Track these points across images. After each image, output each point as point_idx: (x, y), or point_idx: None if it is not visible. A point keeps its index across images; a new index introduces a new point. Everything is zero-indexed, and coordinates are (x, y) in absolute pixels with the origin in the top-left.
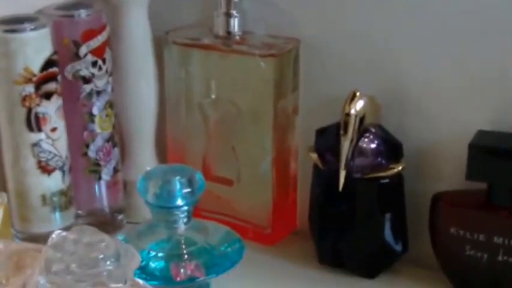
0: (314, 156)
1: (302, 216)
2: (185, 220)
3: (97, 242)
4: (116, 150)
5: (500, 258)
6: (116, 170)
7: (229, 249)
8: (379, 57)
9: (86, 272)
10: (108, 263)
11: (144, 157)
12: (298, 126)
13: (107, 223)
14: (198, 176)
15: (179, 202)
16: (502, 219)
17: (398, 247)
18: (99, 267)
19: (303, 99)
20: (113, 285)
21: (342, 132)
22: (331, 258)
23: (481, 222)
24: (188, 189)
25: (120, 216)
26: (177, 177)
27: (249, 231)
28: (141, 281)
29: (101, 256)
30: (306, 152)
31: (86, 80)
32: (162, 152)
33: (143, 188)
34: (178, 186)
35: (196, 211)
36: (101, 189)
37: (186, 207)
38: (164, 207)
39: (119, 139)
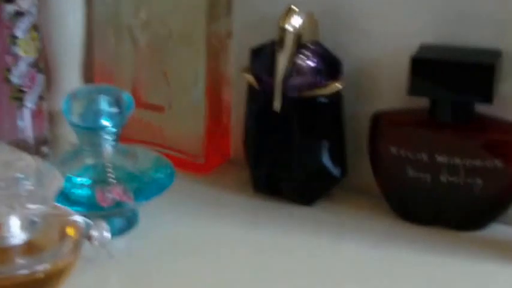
0: (248, 76)
1: (236, 144)
2: (112, 143)
3: (15, 160)
4: (41, 77)
5: (443, 178)
6: (40, 98)
7: (159, 174)
8: None
9: (2, 192)
10: (27, 182)
11: (71, 85)
12: (232, 50)
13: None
14: (126, 96)
15: (105, 123)
16: (445, 137)
17: (336, 171)
18: (17, 186)
19: (238, 21)
20: (31, 206)
21: (277, 48)
22: (267, 185)
23: (423, 140)
24: (115, 109)
25: (45, 148)
26: (104, 97)
27: (182, 161)
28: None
29: (20, 175)
30: (240, 74)
31: (8, 0)
32: (91, 80)
33: (68, 109)
34: (104, 105)
35: (125, 141)
36: (25, 118)
37: (113, 129)
38: (89, 128)
39: (44, 65)
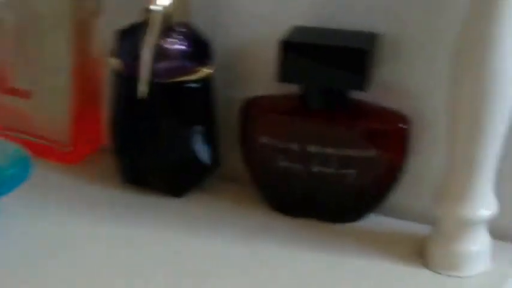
0: (113, 60)
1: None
2: None
3: None
4: None
5: (315, 169)
6: None
7: (12, 169)
8: None
9: None
10: None
11: None
12: (101, 30)
13: None
14: None
15: None
16: (316, 125)
17: (208, 161)
18: None
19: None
20: None
21: (143, 30)
22: (135, 176)
23: (294, 129)
24: None
25: None
26: None
27: (49, 150)
28: None
29: None
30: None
31: None
32: None
33: None
34: None
35: None
36: None
37: None
38: None
39: None
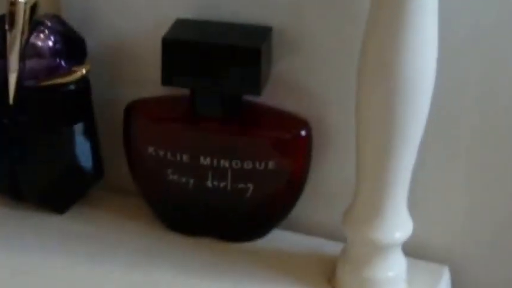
0: None
1: None
2: None
3: None
4: None
5: (209, 183)
6: None
7: None
8: None
9: None
10: None
11: None
12: None
13: None
14: None
15: None
16: (209, 135)
17: (89, 171)
18: None
19: None
20: None
21: (7, 27)
22: (9, 189)
23: (184, 138)
24: None
25: None
26: None
27: None
28: None
29: None
30: None
31: None
32: None
33: None
34: None
35: None
36: None
37: None
38: None
39: None
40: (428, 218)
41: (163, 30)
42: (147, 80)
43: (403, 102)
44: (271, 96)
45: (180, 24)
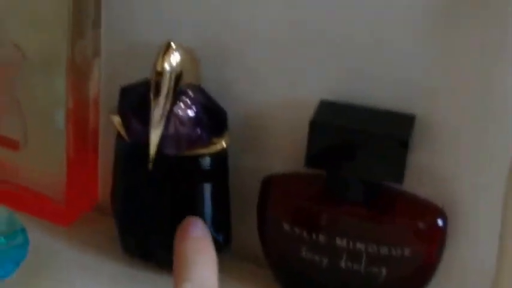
0: (117, 120)
1: (105, 186)
2: None
3: None
4: None
5: (343, 264)
6: None
7: (10, 242)
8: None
9: None
10: None
11: None
12: (100, 73)
13: None
14: None
15: None
16: (347, 218)
17: (219, 237)
18: None
19: (106, 41)
20: None
21: (152, 95)
22: (138, 248)
23: (322, 219)
24: None
25: None
26: None
27: (41, 206)
28: None
29: None
30: (108, 112)
31: None
32: None
33: None
34: None
35: None
36: None
37: None
38: None
39: None
40: None
41: (302, 108)
42: (282, 155)
43: None
44: (406, 182)
45: (325, 106)
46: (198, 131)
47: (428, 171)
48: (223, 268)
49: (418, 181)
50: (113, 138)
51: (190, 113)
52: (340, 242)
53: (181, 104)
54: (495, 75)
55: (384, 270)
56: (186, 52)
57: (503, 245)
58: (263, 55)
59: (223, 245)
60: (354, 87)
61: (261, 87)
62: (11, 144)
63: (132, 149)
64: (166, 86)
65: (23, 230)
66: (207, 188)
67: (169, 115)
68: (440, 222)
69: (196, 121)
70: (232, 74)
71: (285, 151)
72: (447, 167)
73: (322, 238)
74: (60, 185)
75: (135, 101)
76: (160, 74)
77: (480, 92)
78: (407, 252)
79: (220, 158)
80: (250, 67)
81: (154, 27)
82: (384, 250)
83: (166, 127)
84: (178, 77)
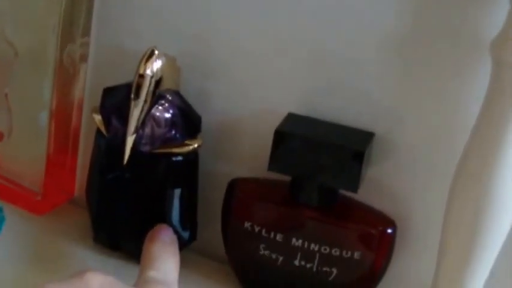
0: (98, 118)
1: (82, 183)
2: None
3: None
4: None
5: (297, 262)
6: None
7: None
8: (187, 12)
9: None
10: None
11: None
12: (86, 78)
13: None
14: None
15: None
16: (305, 220)
17: (185, 234)
18: None
19: (94, 47)
20: None
21: (133, 96)
22: (108, 238)
23: (281, 220)
24: None
25: None
26: None
27: (18, 196)
28: None
29: None
30: (90, 111)
31: None
32: None
33: None
34: None
35: None
36: None
37: None
38: None
39: None
40: None
41: (272, 119)
42: (250, 161)
43: (488, 219)
44: (363, 194)
45: (292, 118)
46: (173, 132)
47: (385, 186)
48: (189, 264)
49: (375, 194)
50: (92, 140)
51: (167, 115)
52: (296, 242)
53: (159, 107)
54: (448, 98)
55: (334, 270)
56: (168, 59)
57: (439, 262)
58: (242, 66)
59: (188, 242)
60: (321, 103)
61: (236, 97)
62: None
63: (109, 145)
64: (146, 89)
65: (0, 209)
66: (178, 187)
67: (147, 116)
68: (390, 231)
69: (171, 123)
70: (210, 83)
71: (254, 158)
72: (402, 183)
73: (279, 237)
74: (39, 178)
75: (117, 101)
76: (142, 77)
77: (434, 112)
78: (357, 255)
79: (192, 158)
80: (229, 78)
81: (141, 37)
82: (336, 252)
83: (143, 127)
84: (158, 81)
